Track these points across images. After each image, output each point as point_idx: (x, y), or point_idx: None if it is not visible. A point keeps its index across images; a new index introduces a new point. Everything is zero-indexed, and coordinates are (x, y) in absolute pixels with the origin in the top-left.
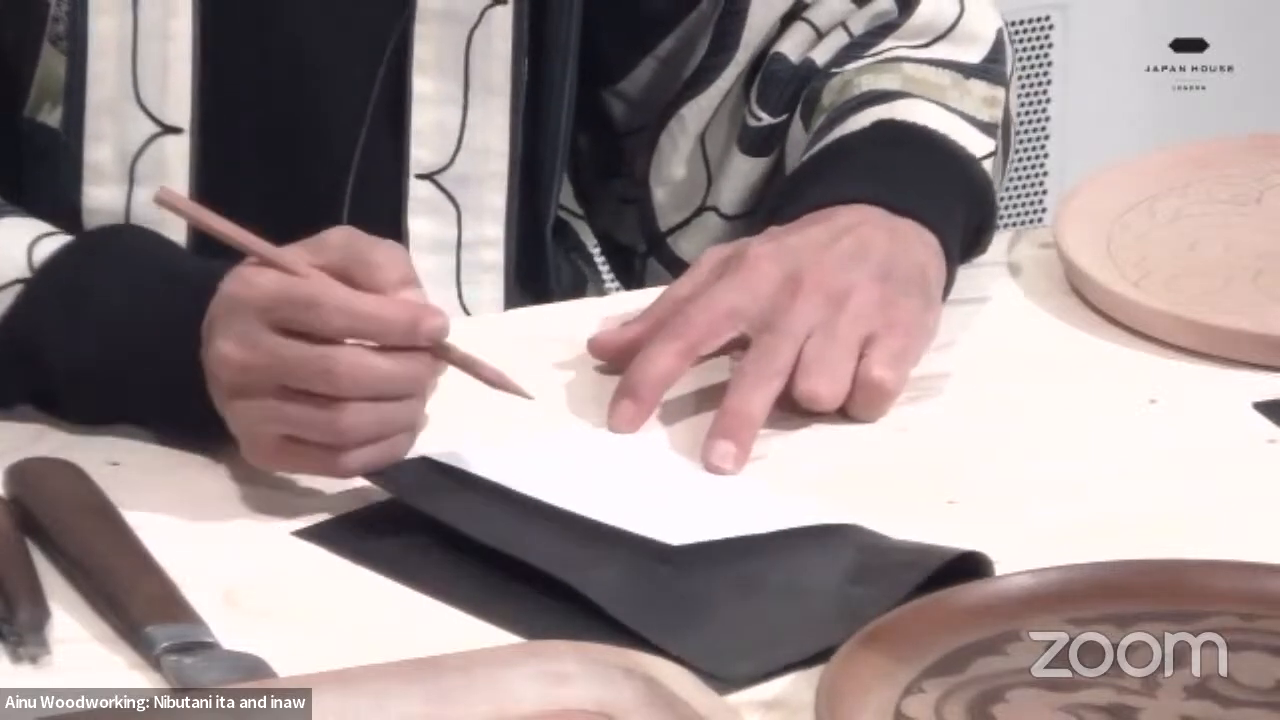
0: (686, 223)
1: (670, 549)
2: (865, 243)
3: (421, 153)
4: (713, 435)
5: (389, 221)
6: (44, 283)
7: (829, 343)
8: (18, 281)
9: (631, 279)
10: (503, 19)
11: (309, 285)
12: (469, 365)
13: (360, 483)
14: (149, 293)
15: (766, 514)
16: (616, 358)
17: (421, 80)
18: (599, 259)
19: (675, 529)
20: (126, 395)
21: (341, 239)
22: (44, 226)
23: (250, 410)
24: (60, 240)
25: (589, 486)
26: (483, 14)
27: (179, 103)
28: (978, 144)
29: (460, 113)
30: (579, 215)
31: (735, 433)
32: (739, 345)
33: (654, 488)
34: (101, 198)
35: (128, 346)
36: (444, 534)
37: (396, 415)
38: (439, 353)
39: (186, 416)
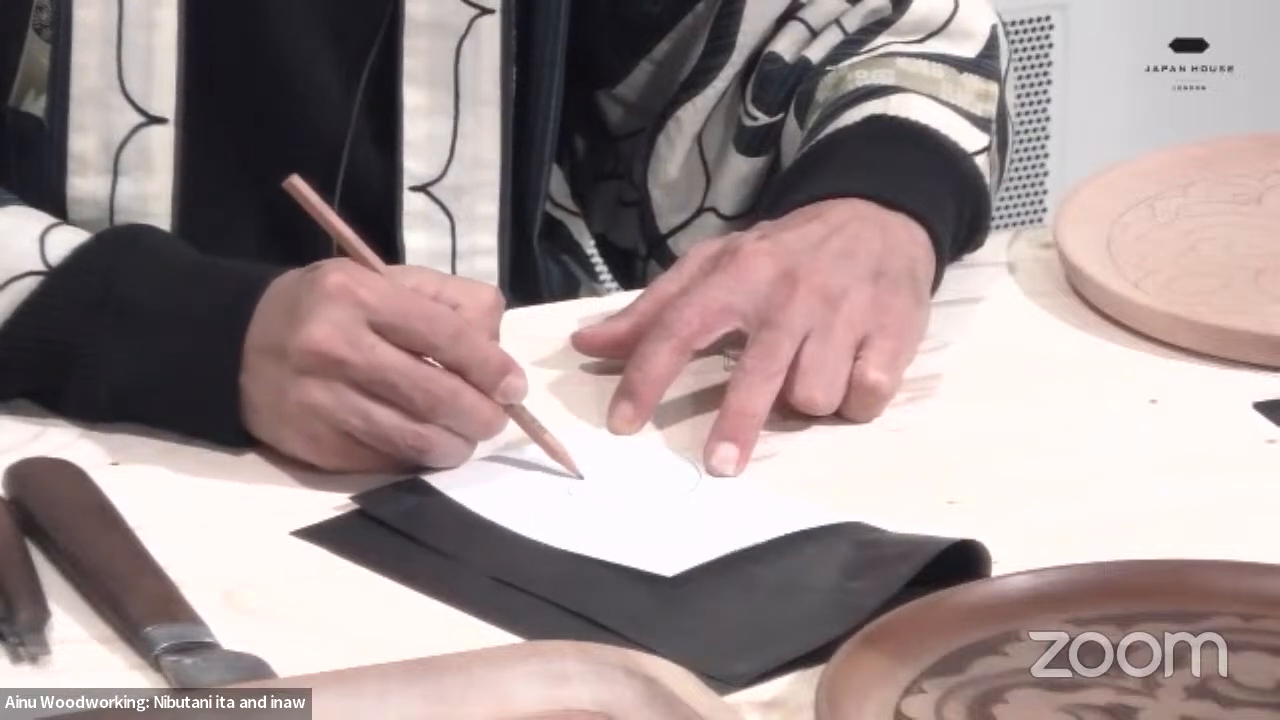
0: (686, 224)
1: (665, 580)
2: (857, 240)
3: (414, 165)
4: (715, 436)
5: (383, 234)
6: (67, 281)
7: (825, 347)
8: (31, 274)
9: (633, 282)
10: (490, 29)
11: (429, 305)
12: (533, 430)
13: (360, 483)
14: (184, 291)
15: (763, 525)
16: (602, 351)
17: (413, 92)
18: (595, 259)
19: (668, 557)
20: (156, 392)
21: (434, 278)
22: (49, 218)
23: (324, 398)
24: (70, 233)
25: (579, 514)
26: (470, 24)
27: (164, 93)
28: (971, 139)
29: (451, 123)
30: (574, 213)
31: (738, 433)
32: (732, 341)
33: (646, 510)
34: (85, 188)
35: (165, 343)
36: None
37: (459, 450)
38: (510, 411)
39: (216, 414)
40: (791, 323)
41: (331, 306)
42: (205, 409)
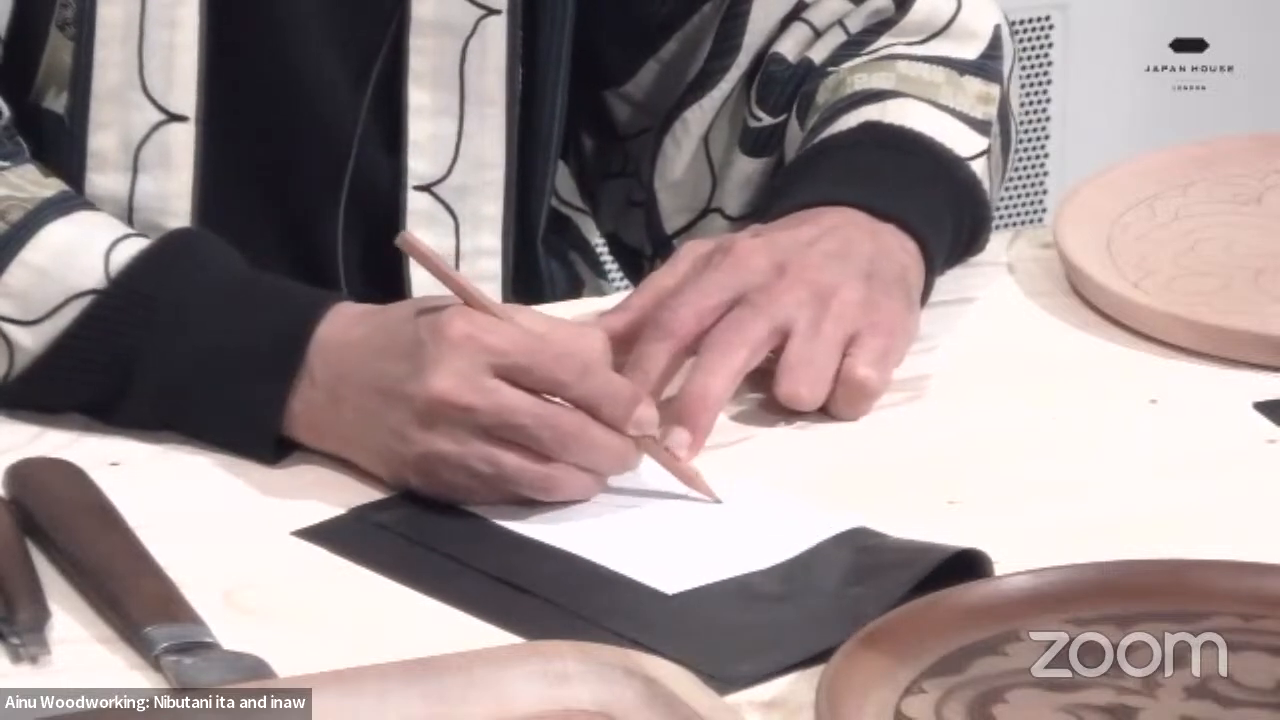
0: (691, 225)
1: (667, 598)
2: (849, 243)
3: (419, 164)
4: (670, 419)
5: (387, 234)
6: (122, 295)
7: (813, 343)
8: (93, 293)
9: (640, 280)
10: (496, 29)
11: (554, 344)
12: (666, 459)
13: (360, 483)
14: (241, 308)
15: (765, 544)
16: None
17: (418, 92)
18: (604, 256)
19: (670, 573)
20: (207, 405)
21: (542, 321)
22: (117, 229)
23: (451, 448)
24: (134, 245)
25: (579, 515)
26: (476, 25)
27: (184, 91)
28: (969, 143)
29: (456, 124)
30: (582, 210)
31: (693, 417)
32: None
33: (646, 513)
34: (104, 185)
35: (220, 359)
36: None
37: (587, 486)
38: (641, 443)
39: (260, 430)
40: (772, 305)
41: (456, 355)
42: (247, 427)
